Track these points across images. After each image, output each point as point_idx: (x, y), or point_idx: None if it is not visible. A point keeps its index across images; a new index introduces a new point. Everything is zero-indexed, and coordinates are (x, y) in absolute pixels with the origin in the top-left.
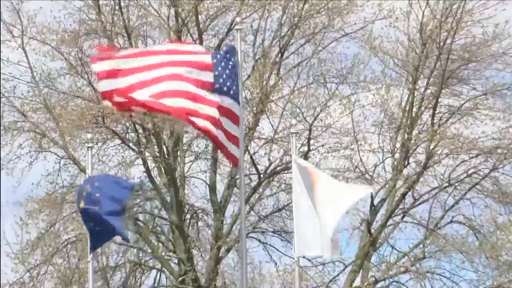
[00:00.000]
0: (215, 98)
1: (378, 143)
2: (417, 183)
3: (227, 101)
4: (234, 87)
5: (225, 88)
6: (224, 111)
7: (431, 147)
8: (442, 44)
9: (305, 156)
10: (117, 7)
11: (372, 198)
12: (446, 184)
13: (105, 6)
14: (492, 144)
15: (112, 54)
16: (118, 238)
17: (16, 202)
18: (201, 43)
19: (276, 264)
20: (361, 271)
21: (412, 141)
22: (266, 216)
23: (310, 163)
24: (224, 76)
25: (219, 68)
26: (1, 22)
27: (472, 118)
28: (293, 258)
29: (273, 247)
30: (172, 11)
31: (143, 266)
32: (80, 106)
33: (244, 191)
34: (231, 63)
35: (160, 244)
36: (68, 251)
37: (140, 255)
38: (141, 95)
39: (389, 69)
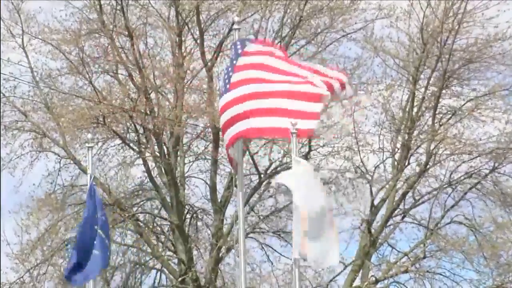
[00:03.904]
0: None
1: (379, 143)
2: (418, 183)
3: None
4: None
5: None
6: None
7: (432, 147)
8: (443, 44)
9: (306, 157)
10: (118, 7)
11: (373, 198)
12: (447, 185)
13: (106, 6)
14: (493, 144)
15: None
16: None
17: (17, 203)
18: (202, 43)
19: (272, 264)
20: (361, 271)
21: (413, 141)
22: (266, 217)
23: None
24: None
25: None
26: (1, 22)
27: (472, 119)
28: (290, 259)
29: (272, 248)
30: (173, 11)
31: (143, 266)
32: (81, 106)
33: (242, 191)
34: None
35: (160, 244)
36: (68, 250)
37: (140, 255)
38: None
39: (390, 69)
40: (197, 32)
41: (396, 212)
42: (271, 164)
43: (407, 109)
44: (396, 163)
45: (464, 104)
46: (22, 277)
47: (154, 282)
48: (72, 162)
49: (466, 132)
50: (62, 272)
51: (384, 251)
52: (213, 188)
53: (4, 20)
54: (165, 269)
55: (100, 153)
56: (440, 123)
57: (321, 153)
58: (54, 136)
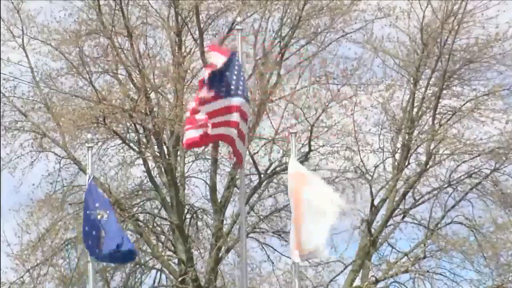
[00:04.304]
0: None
1: (379, 143)
2: (418, 183)
3: (239, 101)
4: (241, 86)
5: (238, 91)
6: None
7: (432, 147)
8: (443, 44)
9: (306, 157)
10: (117, 7)
11: (373, 198)
12: (447, 185)
13: (105, 6)
14: (493, 144)
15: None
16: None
17: (16, 203)
18: (201, 43)
19: (273, 263)
20: (361, 271)
21: (413, 141)
22: (266, 217)
23: (305, 166)
24: (235, 77)
25: (232, 70)
26: (1, 22)
27: (472, 119)
28: (290, 258)
29: (272, 247)
30: (172, 10)
31: (143, 266)
32: (81, 106)
33: (244, 191)
34: (237, 63)
35: (160, 244)
36: (68, 251)
37: (140, 255)
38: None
39: (391, 69)
40: (197, 32)
41: (396, 212)
42: (271, 164)
43: (407, 109)
44: (396, 163)
45: (464, 104)
46: (22, 277)
47: (154, 282)
48: (72, 162)
49: (466, 132)
50: (62, 272)
51: (384, 251)
52: (213, 188)
53: (4, 20)
54: (165, 269)
55: (100, 153)
56: (440, 123)
57: (321, 153)
58: (54, 136)
